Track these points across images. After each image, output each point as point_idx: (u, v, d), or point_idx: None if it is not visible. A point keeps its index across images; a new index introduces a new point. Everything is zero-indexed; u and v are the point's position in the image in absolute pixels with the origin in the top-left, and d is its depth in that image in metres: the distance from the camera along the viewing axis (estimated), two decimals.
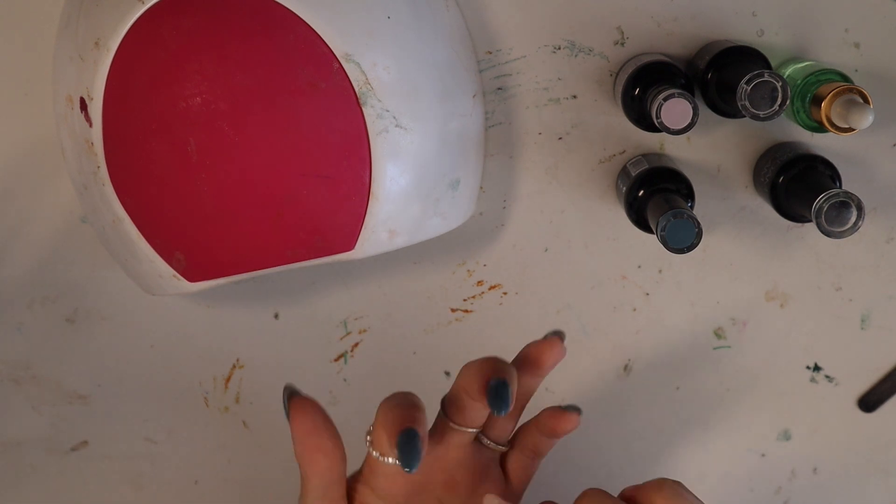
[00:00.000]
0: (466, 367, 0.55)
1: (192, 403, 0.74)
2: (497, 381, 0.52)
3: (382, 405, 0.54)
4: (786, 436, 0.74)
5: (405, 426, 0.52)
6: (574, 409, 0.58)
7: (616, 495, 0.53)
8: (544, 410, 0.59)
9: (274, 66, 0.58)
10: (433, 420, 0.58)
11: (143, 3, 0.58)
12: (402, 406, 0.54)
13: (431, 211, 0.63)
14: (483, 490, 0.58)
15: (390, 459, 0.55)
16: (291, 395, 0.56)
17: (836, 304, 0.71)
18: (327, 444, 0.55)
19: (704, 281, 0.71)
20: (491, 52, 0.67)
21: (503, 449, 0.60)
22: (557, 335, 0.57)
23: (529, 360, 0.57)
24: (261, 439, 0.75)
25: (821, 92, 0.59)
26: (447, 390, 0.58)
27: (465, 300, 0.72)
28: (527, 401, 0.59)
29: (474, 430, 0.57)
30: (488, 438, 0.59)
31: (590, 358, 0.73)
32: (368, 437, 0.56)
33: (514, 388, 0.53)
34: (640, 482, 0.54)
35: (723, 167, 0.68)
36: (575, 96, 0.67)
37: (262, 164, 0.59)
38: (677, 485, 0.53)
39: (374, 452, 0.55)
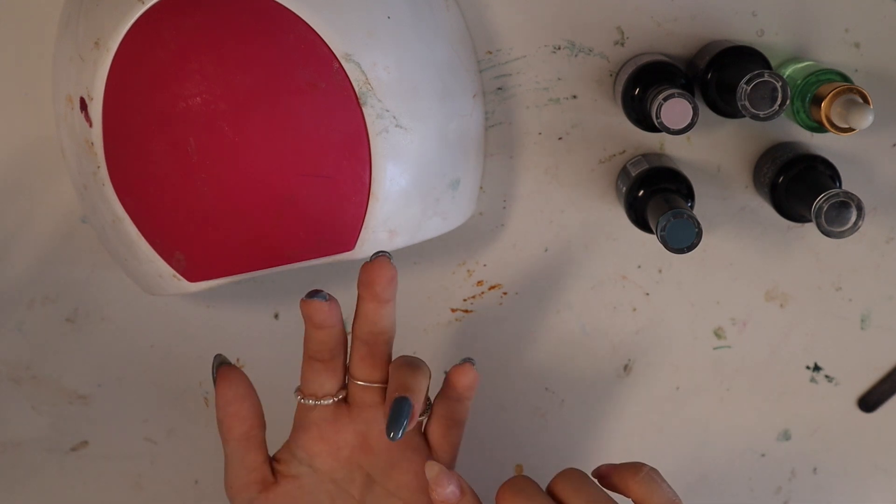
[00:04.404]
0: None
1: (192, 403, 0.74)
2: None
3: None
4: (786, 436, 0.74)
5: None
6: (466, 360, 0.59)
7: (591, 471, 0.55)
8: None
9: (274, 65, 0.58)
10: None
11: (143, 3, 0.58)
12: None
13: (431, 211, 0.63)
14: (405, 460, 0.59)
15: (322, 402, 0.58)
16: (220, 365, 0.59)
17: (836, 304, 0.71)
18: (246, 412, 0.58)
19: (704, 281, 0.71)
20: (491, 52, 0.67)
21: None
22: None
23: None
24: None
25: (821, 92, 0.59)
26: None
27: (465, 300, 0.72)
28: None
29: (380, 385, 0.58)
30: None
31: (590, 358, 0.73)
32: (297, 393, 0.59)
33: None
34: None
35: (723, 167, 0.68)
36: (575, 96, 0.67)
37: (262, 164, 0.59)
38: (653, 471, 0.54)
39: (305, 400, 0.59)
